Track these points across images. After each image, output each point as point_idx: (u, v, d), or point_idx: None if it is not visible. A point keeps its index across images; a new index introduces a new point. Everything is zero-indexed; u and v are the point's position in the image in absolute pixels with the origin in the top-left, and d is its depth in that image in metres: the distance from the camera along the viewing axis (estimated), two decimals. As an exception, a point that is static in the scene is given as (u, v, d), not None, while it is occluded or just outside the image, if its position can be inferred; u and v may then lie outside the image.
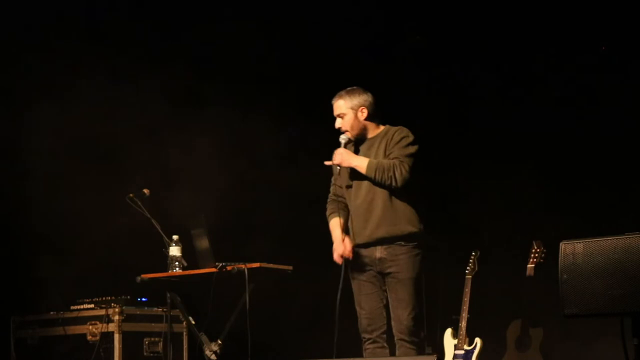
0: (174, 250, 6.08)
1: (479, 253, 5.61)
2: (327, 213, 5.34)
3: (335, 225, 5.26)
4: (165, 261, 6.11)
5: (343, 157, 5.18)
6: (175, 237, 6.11)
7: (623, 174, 6.22)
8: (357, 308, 5.19)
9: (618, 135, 6.26)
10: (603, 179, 6.27)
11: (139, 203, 6.31)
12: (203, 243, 5.96)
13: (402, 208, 5.10)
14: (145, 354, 6.60)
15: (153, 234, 6.24)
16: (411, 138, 5.15)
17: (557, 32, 6.50)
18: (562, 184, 6.46)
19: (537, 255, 5.38)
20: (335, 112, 5.27)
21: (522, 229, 6.26)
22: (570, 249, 4.20)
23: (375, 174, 5.08)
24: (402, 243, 5.08)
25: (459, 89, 6.88)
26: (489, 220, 6.59)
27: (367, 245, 5.15)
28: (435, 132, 6.81)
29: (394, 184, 5.04)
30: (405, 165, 5.05)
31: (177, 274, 6.05)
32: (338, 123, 5.26)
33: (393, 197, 5.09)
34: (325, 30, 7.12)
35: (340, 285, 5.10)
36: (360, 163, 5.14)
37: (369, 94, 5.26)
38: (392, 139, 5.17)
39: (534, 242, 5.45)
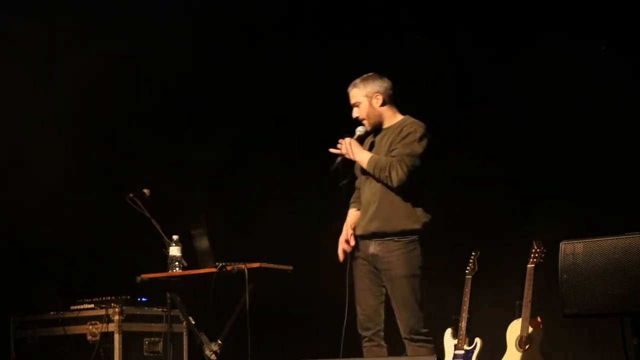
0: (174, 250, 6.08)
1: (479, 253, 5.60)
2: (350, 202, 5.26)
3: (349, 215, 5.20)
4: (165, 261, 6.11)
5: (348, 149, 5.05)
6: (175, 237, 6.11)
7: (623, 173, 6.22)
8: (356, 304, 5.12)
9: (618, 134, 6.25)
10: (603, 178, 6.26)
11: (139, 203, 6.31)
12: (203, 243, 5.96)
13: (400, 204, 4.97)
14: (145, 354, 6.60)
15: (153, 234, 6.24)
16: (418, 134, 4.98)
17: (556, 30, 6.49)
18: (562, 183, 6.45)
19: (537, 255, 5.38)
20: (351, 101, 5.13)
21: (521, 229, 6.25)
22: (570, 249, 4.21)
23: (374, 171, 4.99)
24: (396, 239, 4.98)
25: (457, 89, 6.86)
26: (488, 220, 6.59)
27: (362, 237, 5.09)
28: (435, 131, 6.82)
29: (389, 183, 4.95)
30: (402, 165, 4.91)
31: (177, 274, 6.05)
32: (355, 112, 5.12)
33: (392, 192, 4.98)
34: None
35: (347, 281, 5.05)
36: (363, 158, 5.04)
37: (386, 80, 5.12)
38: (400, 132, 5.02)
39: (534, 242, 5.44)
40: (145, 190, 6.37)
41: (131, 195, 6.32)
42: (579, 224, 5.80)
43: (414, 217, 4.98)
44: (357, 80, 5.14)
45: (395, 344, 5.11)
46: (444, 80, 6.77)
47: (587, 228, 4.50)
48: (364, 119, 5.12)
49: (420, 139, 4.97)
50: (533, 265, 5.38)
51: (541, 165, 6.57)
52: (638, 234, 4.08)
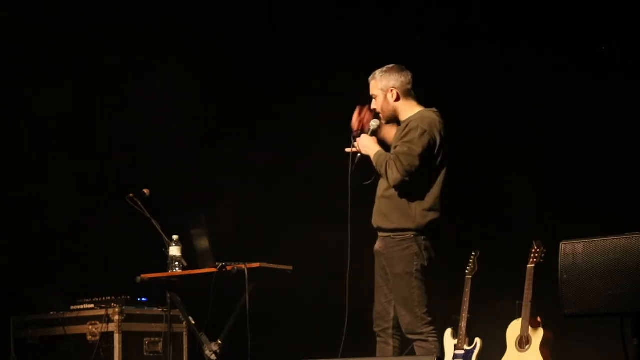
0: (174, 250, 6.08)
1: (479, 253, 5.60)
2: None
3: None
4: (165, 261, 6.11)
5: (361, 145, 5.04)
6: (175, 237, 6.11)
7: (623, 173, 6.21)
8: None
9: (618, 134, 6.25)
10: (603, 178, 6.26)
11: (139, 203, 6.31)
12: (203, 243, 5.96)
13: (398, 201, 4.94)
14: (145, 354, 6.60)
15: (153, 234, 6.24)
16: (418, 131, 4.85)
17: (560, 32, 6.49)
18: (562, 183, 6.45)
19: (537, 255, 5.37)
20: (370, 92, 5.10)
21: (522, 229, 6.25)
22: (570, 249, 4.21)
23: (376, 167, 4.97)
24: (392, 236, 4.98)
25: (457, 89, 6.86)
26: (488, 220, 6.59)
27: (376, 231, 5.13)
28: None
29: (387, 182, 4.93)
30: (398, 164, 4.84)
31: (177, 274, 6.05)
32: (373, 104, 5.09)
33: (393, 189, 4.95)
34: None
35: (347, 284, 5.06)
36: (370, 152, 5.00)
37: (405, 74, 5.04)
38: (404, 128, 4.95)
39: (534, 242, 5.44)
40: (145, 190, 6.37)
41: (131, 195, 6.32)
42: (579, 224, 5.80)
43: (409, 216, 4.94)
44: (377, 72, 5.07)
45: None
46: (443, 80, 6.77)
47: (587, 228, 4.49)
48: (380, 112, 5.09)
49: (421, 136, 4.88)
50: (533, 265, 5.38)
51: (541, 165, 6.56)
52: (638, 234, 4.08)
